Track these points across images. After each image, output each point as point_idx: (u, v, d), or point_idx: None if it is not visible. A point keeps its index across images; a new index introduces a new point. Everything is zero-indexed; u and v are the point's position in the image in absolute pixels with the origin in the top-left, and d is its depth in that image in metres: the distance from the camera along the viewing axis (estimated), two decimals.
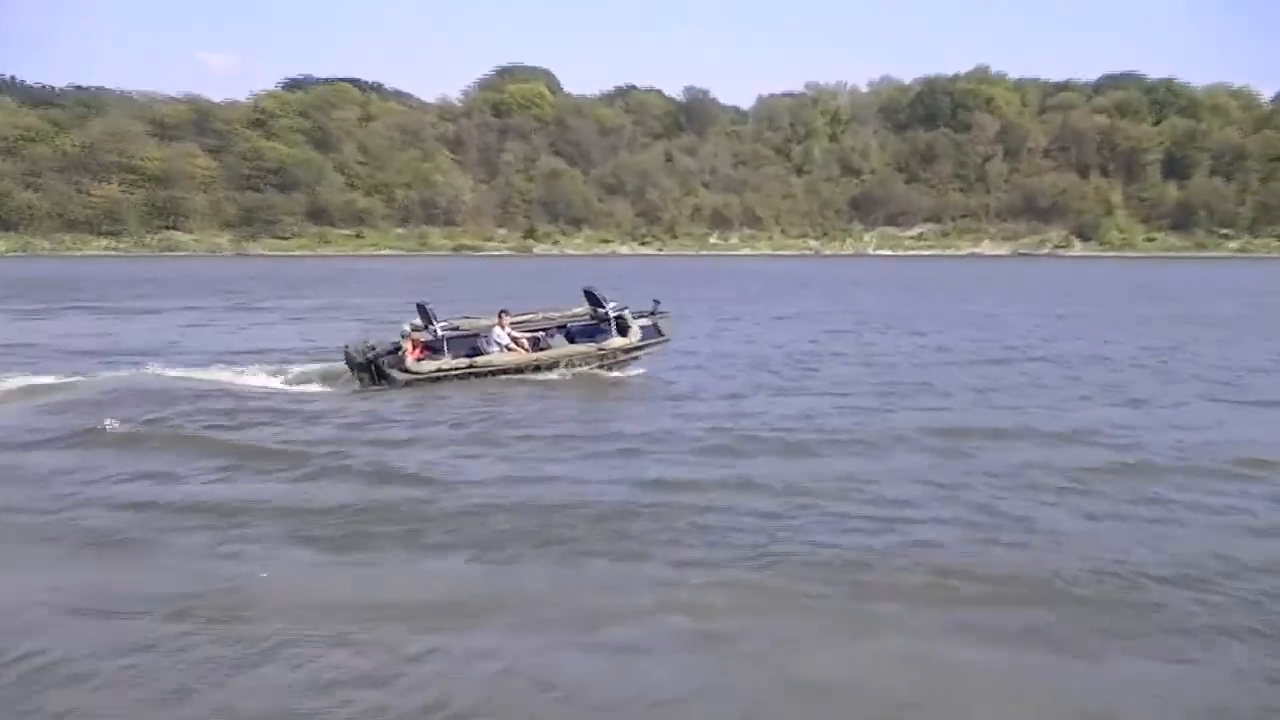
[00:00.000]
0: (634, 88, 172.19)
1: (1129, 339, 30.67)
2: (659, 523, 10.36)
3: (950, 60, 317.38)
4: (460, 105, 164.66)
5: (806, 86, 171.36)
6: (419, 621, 8.11)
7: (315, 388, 20.21)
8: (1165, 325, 35.45)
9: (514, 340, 21.41)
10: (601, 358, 21.53)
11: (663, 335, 22.40)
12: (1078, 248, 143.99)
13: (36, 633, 7.87)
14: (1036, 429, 15.48)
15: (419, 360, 20.46)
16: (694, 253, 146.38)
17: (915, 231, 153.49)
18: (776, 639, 7.82)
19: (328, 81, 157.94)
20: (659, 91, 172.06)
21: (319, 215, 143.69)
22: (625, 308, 22.06)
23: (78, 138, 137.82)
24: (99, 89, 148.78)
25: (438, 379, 20.13)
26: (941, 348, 27.45)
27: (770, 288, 59.62)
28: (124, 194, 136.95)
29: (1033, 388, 20.15)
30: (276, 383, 20.54)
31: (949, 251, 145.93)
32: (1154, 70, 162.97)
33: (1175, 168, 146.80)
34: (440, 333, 21.20)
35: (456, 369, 20.35)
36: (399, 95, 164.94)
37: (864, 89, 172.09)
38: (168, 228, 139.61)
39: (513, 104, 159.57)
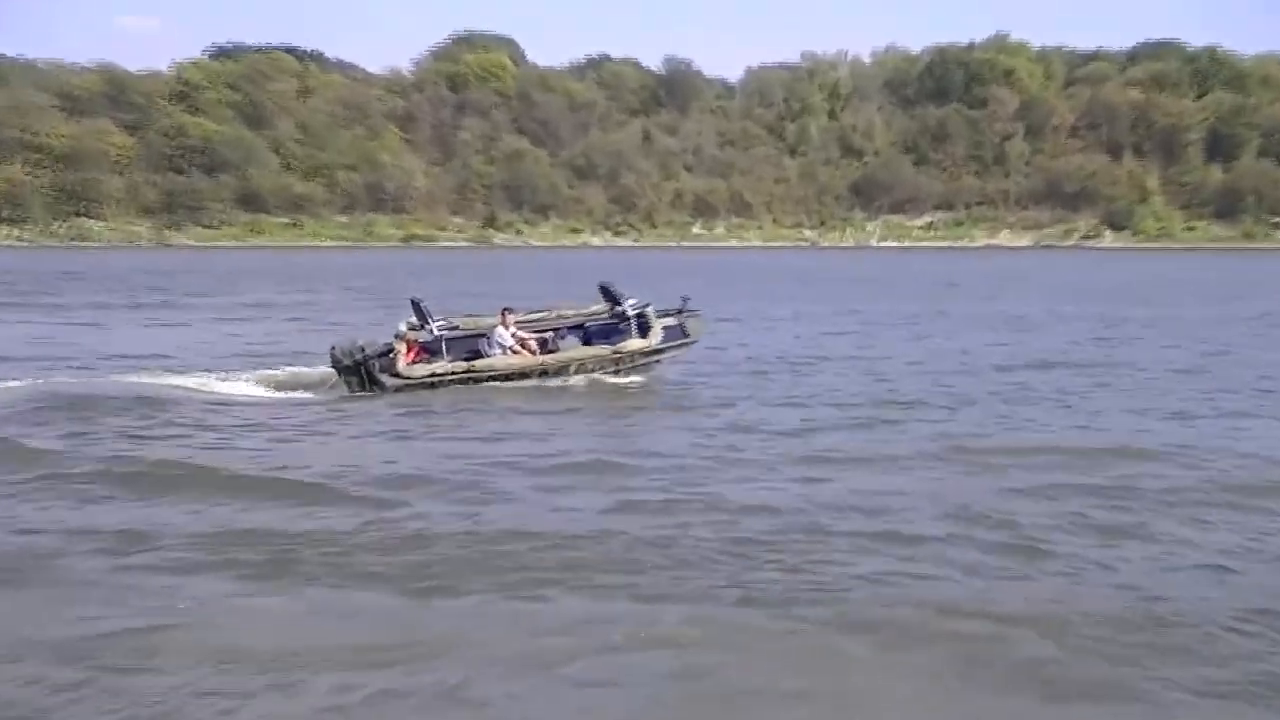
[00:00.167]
0: (608, 58, 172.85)
1: (1173, 341, 30.93)
2: (632, 550, 10.40)
3: (964, 27, 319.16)
4: (411, 77, 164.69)
5: (802, 57, 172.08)
6: (360, 662, 8.03)
7: (275, 394, 20.40)
8: (1211, 327, 35.48)
9: (521, 342, 21.57)
10: (616, 362, 21.68)
11: (688, 336, 22.50)
12: (1109, 238, 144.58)
13: None
14: (1065, 444, 15.42)
15: (412, 363, 20.67)
16: (675, 244, 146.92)
17: (924, 220, 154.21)
18: (755, 680, 7.83)
19: (260, 49, 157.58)
20: (635, 63, 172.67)
21: (251, 201, 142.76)
22: (647, 305, 22.17)
23: None
24: None
25: (433, 385, 20.34)
26: (963, 352, 27.79)
27: (762, 285, 59.73)
28: (28, 176, 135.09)
29: (1064, 397, 20.31)
30: (250, 389, 20.65)
31: (962, 243, 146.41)
32: (1196, 38, 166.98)
33: (1219, 148, 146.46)
34: (437, 332, 21.46)
35: (453, 373, 20.54)
36: (341, 66, 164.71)
37: (867, 60, 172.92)
38: (78, 215, 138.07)
39: (470, 76, 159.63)
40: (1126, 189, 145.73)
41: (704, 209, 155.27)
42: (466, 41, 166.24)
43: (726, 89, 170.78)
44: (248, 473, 13.50)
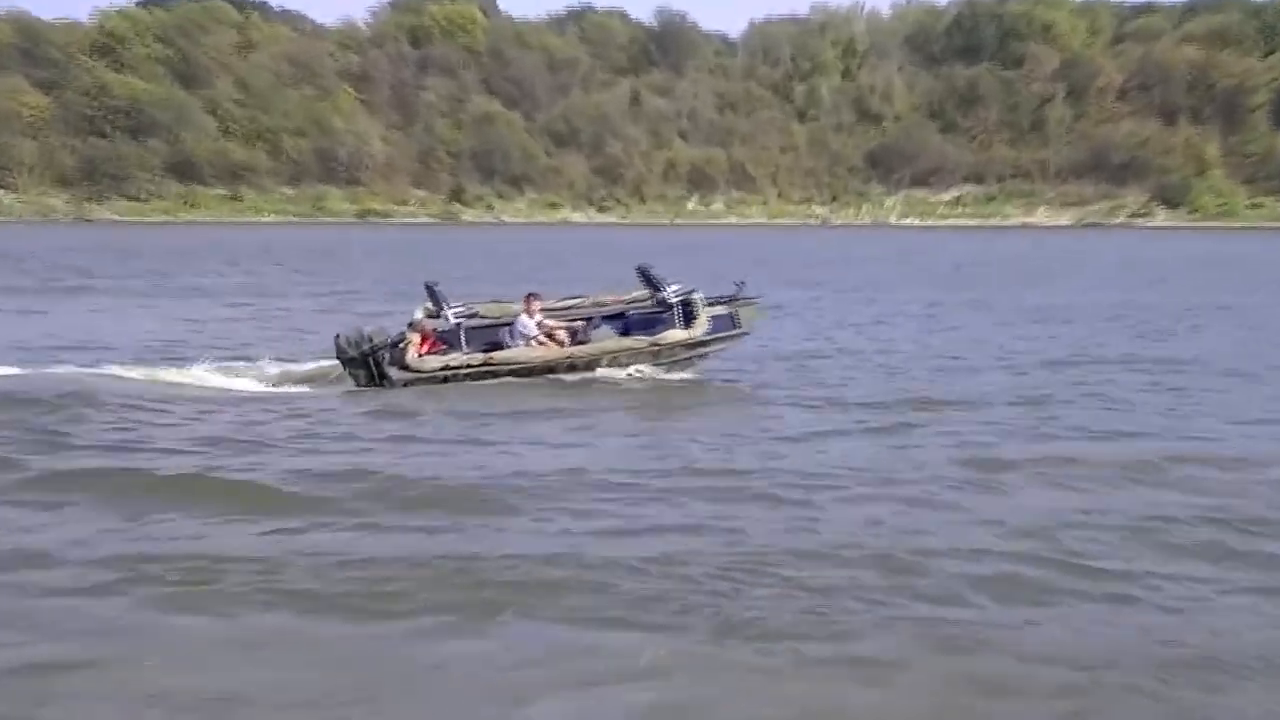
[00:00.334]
0: (591, 9, 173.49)
1: (1246, 335, 30.90)
2: (633, 578, 10.28)
3: None
4: (368, 31, 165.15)
5: (812, 9, 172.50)
6: (307, 702, 7.95)
7: (269, 389, 20.51)
8: None
9: (548, 332, 21.60)
10: (654, 355, 21.61)
11: (738, 327, 22.30)
12: (1161, 216, 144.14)
13: None
14: (1120, 459, 14.98)
15: (425, 355, 20.84)
16: (667, 221, 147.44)
17: (951, 195, 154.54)
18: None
19: None
20: (623, 14, 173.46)
21: (184, 170, 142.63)
22: (692, 291, 22.04)
23: None
24: None
25: (445, 379, 20.48)
26: (1001, 347, 27.74)
27: (766, 268, 59.18)
28: None
29: (1125, 397, 20.17)
30: (225, 381, 20.82)
31: (994, 221, 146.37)
32: None
33: None
34: (454, 320, 21.69)
35: (469, 366, 20.66)
36: (288, 16, 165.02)
37: (885, 12, 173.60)
38: None
39: (435, 30, 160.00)
40: (1182, 160, 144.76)
41: (700, 182, 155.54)
42: None
43: (726, 45, 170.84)
44: (191, 476, 13.51)
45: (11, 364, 21.41)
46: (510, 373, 20.70)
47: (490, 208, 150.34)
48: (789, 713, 7.85)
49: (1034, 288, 47.78)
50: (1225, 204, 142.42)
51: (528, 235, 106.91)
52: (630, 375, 21.21)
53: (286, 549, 10.88)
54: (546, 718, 7.78)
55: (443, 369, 20.48)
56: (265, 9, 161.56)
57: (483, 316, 22.19)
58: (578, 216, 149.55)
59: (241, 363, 22.42)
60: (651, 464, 14.50)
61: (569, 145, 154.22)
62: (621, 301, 22.92)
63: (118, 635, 8.96)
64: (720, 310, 22.11)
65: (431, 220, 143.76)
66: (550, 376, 20.85)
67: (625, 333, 22.26)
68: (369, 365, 20.48)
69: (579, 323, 22.23)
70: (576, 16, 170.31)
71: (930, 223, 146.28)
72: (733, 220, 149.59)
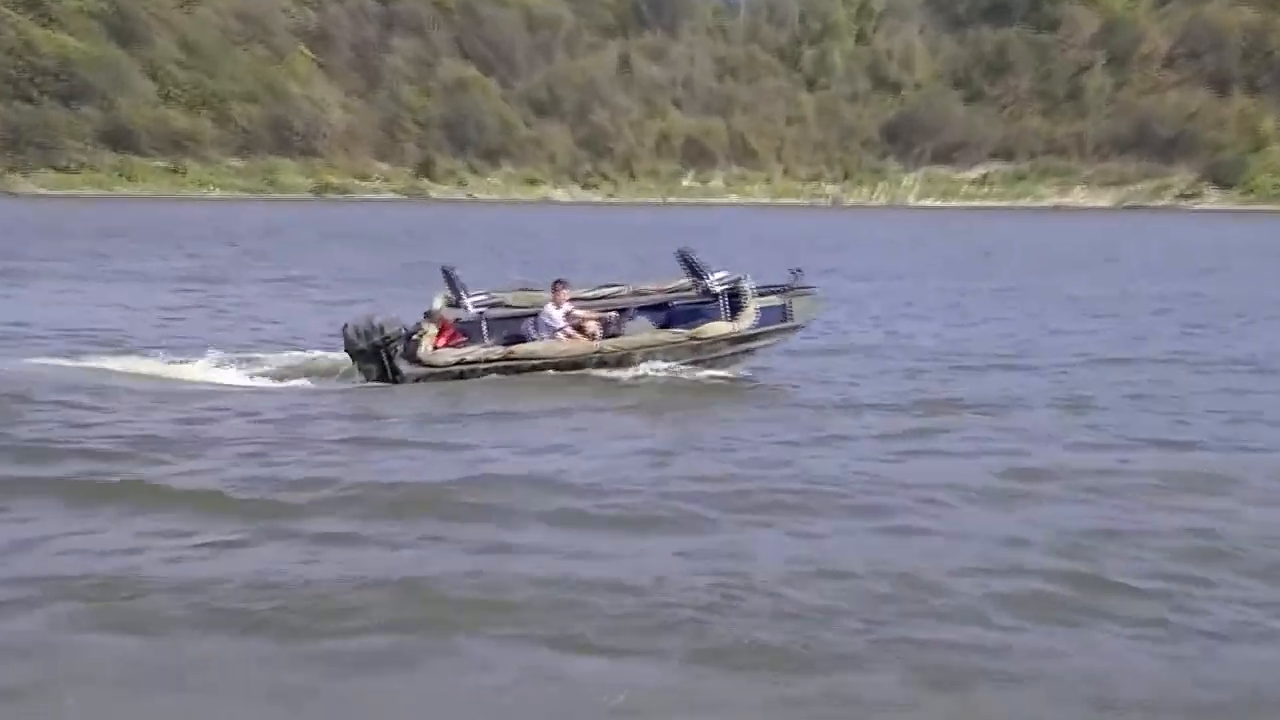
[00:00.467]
0: None
1: None
2: (586, 599, 10.29)
3: None
4: None
5: None
6: None
7: (269, 384, 20.64)
8: None
9: (577, 324, 21.64)
10: (695, 350, 21.45)
11: (789, 320, 22.16)
12: (1212, 198, 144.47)
13: None
14: (1167, 469, 14.95)
15: (442, 348, 20.87)
16: (659, 200, 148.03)
17: (976, 173, 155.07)
18: None
19: None
20: None
21: (119, 139, 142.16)
22: (740, 279, 21.84)
23: None
24: None
25: (461, 374, 20.53)
26: (1036, 346, 27.38)
27: (770, 254, 58.83)
28: None
29: (1181, 402, 19.94)
30: (238, 378, 20.88)
31: (1024, 202, 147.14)
32: None
33: None
34: (473, 310, 21.83)
35: (488, 361, 20.71)
36: None
37: None
38: None
39: None
40: (1236, 135, 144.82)
41: (697, 156, 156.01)
42: None
43: (727, 5, 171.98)
44: (125, 483, 13.36)
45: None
46: (533, 368, 20.76)
47: (462, 183, 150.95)
48: None
49: (1070, 277, 47.75)
50: None
51: (504, 215, 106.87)
52: (665, 373, 21.17)
53: (227, 564, 10.86)
54: None
55: (458, 363, 20.56)
56: None
57: (509, 306, 22.29)
58: (560, 194, 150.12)
59: (189, 354, 22.34)
60: (648, 472, 14.54)
61: (550, 115, 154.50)
62: (664, 291, 22.87)
63: (32, 659, 8.93)
64: (772, 301, 21.94)
65: (396, 196, 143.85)
66: (578, 373, 20.88)
67: (667, 326, 22.22)
68: (381, 358, 20.55)
69: (611, 314, 22.21)
70: None
71: (953, 204, 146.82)
72: (733, 199, 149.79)
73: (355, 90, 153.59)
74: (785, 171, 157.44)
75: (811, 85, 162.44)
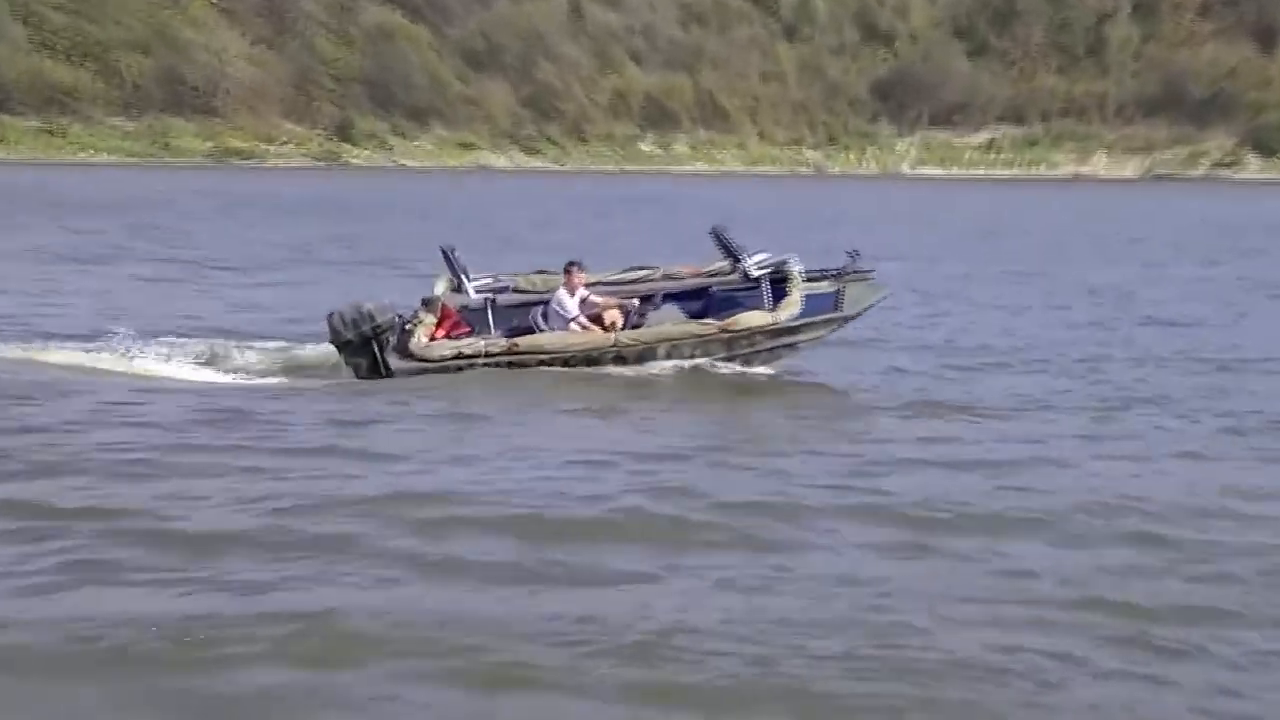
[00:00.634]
0: None
1: None
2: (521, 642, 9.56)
3: None
4: None
5: None
6: None
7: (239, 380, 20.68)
8: None
9: (594, 315, 21.27)
10: (728, 344, 20.81)
11: (839, 310, 21.39)
12: (1254, 166, 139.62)
13: None
14: (1199, 487, 14.26)
15: (440, 339, 20.73)
16: (615, 168, 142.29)
17: (982, 138, 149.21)
18: None
19: None
20: None
21: None
22: (786, 260, 21.18)
23: None
24: None
25: (459, 369, 20.36)
26: (1051, 340, 26.74)
27: (742, 231, 56.71)
28: None
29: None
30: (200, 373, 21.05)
31: (1037, 171, 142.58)
32: None
33: None
34: (475, 296, 21.79)
35: (488, 354, 20.44)
36: None
37: None
38: None
39: None
40: None
41: (658, 118, 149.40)
42: None
43: None
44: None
45: None
46: (540, 364, 20.50)
47: (387, 148, 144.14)
48: None
49: (1091, 258, 47.56)
50: None
51: (435, 184, 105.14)
52: (692, 369, 20.84)
53: (91, 597, 10.26)
54: None
55: (455, 357, 20.29)
56: None
57: (522, 292, 22.04)
58: (499, 160, 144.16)
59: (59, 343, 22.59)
60: (589, 486, 13.98)
61: (489, 69, 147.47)
62: (700, 275, 22.31)
63: None
64: (821, 287, 21.30)
65: (309, 162, 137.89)
66: (592, 370, 20.72)
67: (703, 316, 21.45)
68: (372, 351, 20.39)
69: (633, 301, 21.72)
70: None
71: (955, 172, 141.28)
72: (700, 167, 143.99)
73: (262, 39, 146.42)
74: (761, 136, 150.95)
75: (791, 35, 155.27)
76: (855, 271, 21.28)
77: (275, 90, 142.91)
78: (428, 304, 20.77)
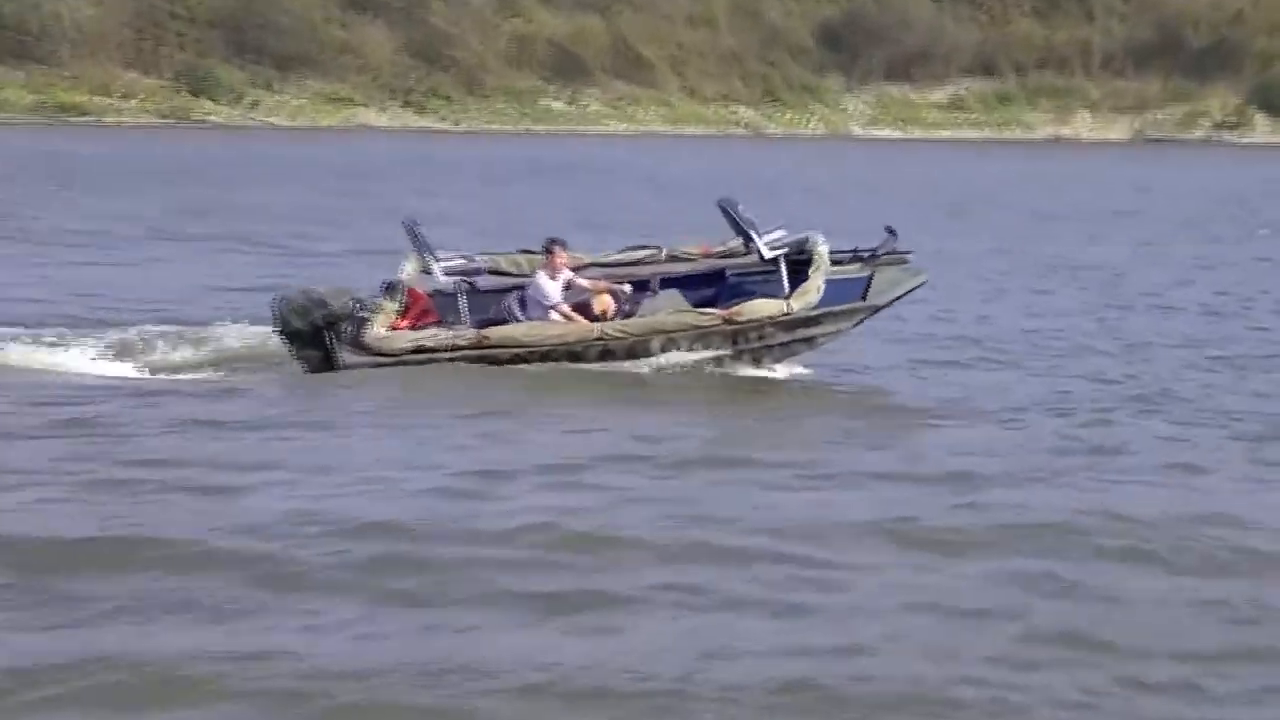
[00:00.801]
0: None
1: None
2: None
3: None
4: None
5: None
6: None
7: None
8: None
9: (579, 303, 21.13)
10: (732, 337, 20.33)
11: (868, 298, 20.89)
12: (1260, 126, 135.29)
13: None
14: (1197, 513, 13.60)
15: (400, 329, 20.26)
16: (515, 128, 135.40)
17: (946, 93, 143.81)
18: None
19: None
20: None
21: None
22: (808, 238, 20.85)
23: None
24: None
25: (423, 363, 19.93)
26: (1033, 332, 26.54)
27: (665, 203, 56.69)
28: None
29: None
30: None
31: (1010, 133, 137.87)
32: None
33: None
34: (444, 279, 21.48)
35: (455, 346, 19.95)
36: None
37: None
38: None
39: None
40: None
41: (568, 70, 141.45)
42: None
43: None
44: None
45: None
46: (514, 358, 20.10)
47: (249, 103, 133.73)
48: None
49: (1074, 234, 48.39)
50: None
51: (303, 148, 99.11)
52: (691, 366, 20.36)
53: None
54: None
55: (415, 350, 19.76)
56: None
57: (501, 274, 21.67)
58: (380, 118, 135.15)
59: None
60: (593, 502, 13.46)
61: (367, 11, 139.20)
62: (710, 255, 22.00)
63: None
64: (849, 271, 20.88)
65: (154, 119, 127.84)
66: (578, 363, 20.42)
67: (711, 303, 21.19)
68: (324, 342, 19.83)
69: (624, 286, 21.29)
70: None
71: (914, 134, 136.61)
72: (616, 127, 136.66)
73: None
74: (688, 91, 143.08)
75: None
76: (891, 253, 20.77)
77: (114, 34, 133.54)
78: (391, 289, 20.28)
